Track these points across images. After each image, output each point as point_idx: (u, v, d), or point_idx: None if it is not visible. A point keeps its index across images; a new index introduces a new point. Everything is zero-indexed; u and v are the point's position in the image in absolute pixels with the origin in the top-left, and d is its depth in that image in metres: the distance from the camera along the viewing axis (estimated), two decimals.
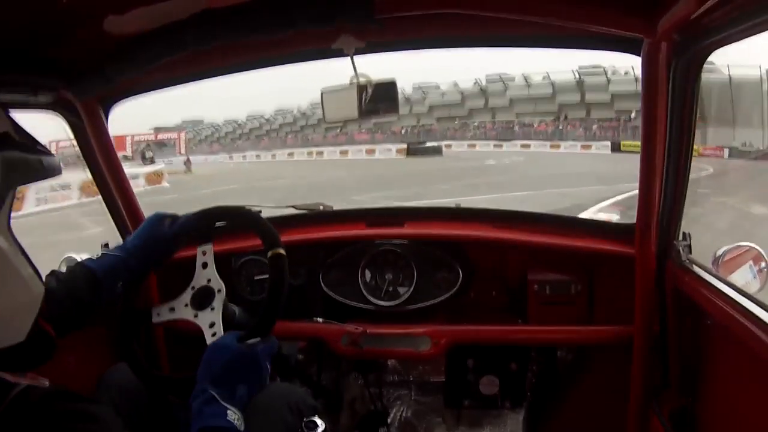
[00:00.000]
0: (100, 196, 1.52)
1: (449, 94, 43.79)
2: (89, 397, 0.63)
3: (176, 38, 0.98)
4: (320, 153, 38.76)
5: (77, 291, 0.98)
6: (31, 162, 0.65)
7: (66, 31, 0.93)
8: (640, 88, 1.10)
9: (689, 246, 1.23)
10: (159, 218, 1.13)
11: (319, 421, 1.11)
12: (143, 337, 1.60)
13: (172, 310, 1.09)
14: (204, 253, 1.11)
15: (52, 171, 0.68)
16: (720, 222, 7.64)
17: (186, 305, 1.08)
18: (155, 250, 1.10)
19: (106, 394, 1.07)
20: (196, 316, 1.07)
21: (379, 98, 1.25)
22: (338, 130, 45.49)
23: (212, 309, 1.07)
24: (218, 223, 1.21)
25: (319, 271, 1.63)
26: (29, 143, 0.66)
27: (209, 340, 1.02)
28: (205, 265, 1.11)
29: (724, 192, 12.26)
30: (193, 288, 1.10)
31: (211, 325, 1.05)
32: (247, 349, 0.91)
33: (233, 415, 0.82)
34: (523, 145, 35.11)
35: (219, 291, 1.09)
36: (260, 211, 1.20)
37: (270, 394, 1.11)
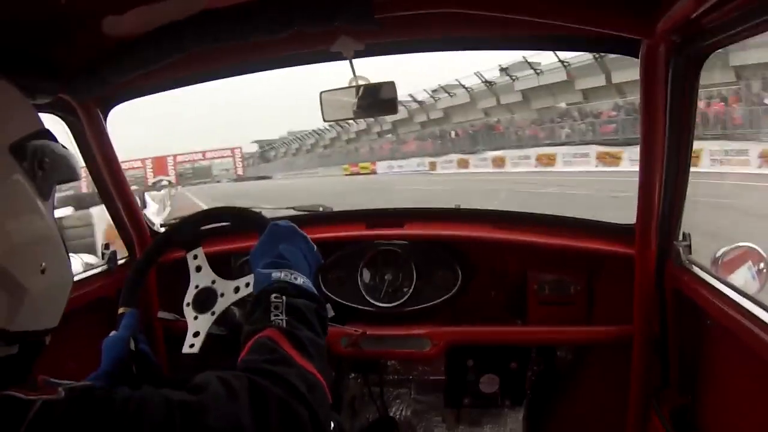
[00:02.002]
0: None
1: (460, 95, 31.43)
2: (94, 384, 0.62)
3: (174, 40, 0.98)
4: None
5: None
6: (68, 158, 0.69)
7: (64, 32, 0.93)
8: None
9: (689, 246, 1.23)
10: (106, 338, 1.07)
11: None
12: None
13: (197, 334, 1.06)
14: (195, 257, 1.10)
15: (79, 172, 0.72)
16: None
17: (195, 317, 1.07)
18: (116, 351, 1.01)
19: None
20: (213, 313, 1.07)
21: (378, 99, 1.27)
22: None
23: (222, 295, 1.06)
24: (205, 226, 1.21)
25: (319, 272, 1.63)
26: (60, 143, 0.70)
27: (186, 349, 1.02)
28: (198, 269, 1.10)
29: None
30: (188, 304, 1.09)
31: (237, 289, 1.05)
32: (267, 228, 0.94)
33: (278, 273, 0.81)
34: (540, 157, 20.09)
35: (213, 282, 1.08)
36: (260, 212, 1.20)
37: None
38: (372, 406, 1.73)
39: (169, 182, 51.08)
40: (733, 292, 1.02)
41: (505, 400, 1.66)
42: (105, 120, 1.39)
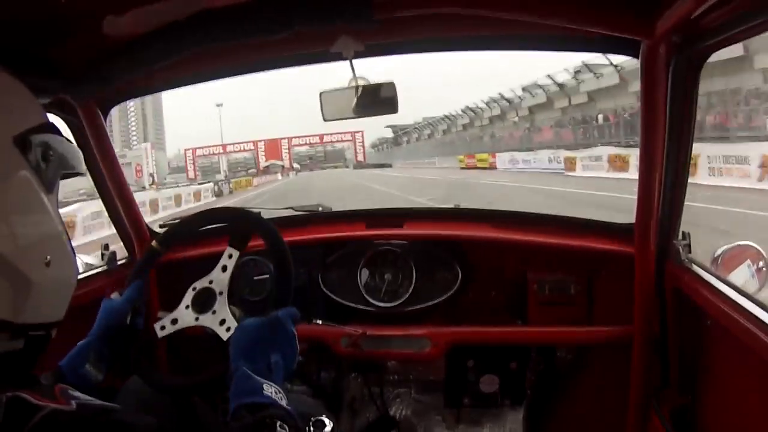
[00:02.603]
0: None
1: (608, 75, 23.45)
2: (119, 408, 0.62)
3: (174, 40, 0.98)
4: None
5: None
6: (73, 152, 0.70)
7: (64, 32, 0.93)
8: None
9: (689, 245, 1.23)
10: (107, 299, 1.10)
11: (327, 420, 1.11)
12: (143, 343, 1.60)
13: (175, 321, 1.07)
14: (230, 256, 1.09)
15: (83, 168, 0.73)
16: None
17: (187, 306, 1.08)
18: (112, 321, 1.05)
19: (126, 404, 1.06)
20: (197, 319, 1.06)
21: (378, 98, 1.27)
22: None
23: (213, 312, 1.06)
24: (209, 226, 1.21)
25: (319, 272, 1.63)
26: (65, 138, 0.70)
27: (225, 336, 1.02)
28: (224, 269, 1.09)
29: None
30: (194, 289, 1.09)
31: (222, 322, 1.04)
32: (269, 319, 0.90)
33: (270, 389, 0.79)
34: None
35: (221, 293, 1.08)
36: (260, 213, 1.21)
37: None
38: (372, 406, 1.73)
39: (282, 167, 49.14)
40: (732, 291, 1.03)
41: (505, 400, 1.66)
42: (105, 120, 1.39)
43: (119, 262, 1.58)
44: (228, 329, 1.02)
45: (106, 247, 1.57)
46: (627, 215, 1.41)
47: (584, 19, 0.96)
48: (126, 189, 1.53)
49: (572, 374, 1.64)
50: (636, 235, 1.28)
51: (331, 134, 55.20)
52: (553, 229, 1.57)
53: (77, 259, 1.65)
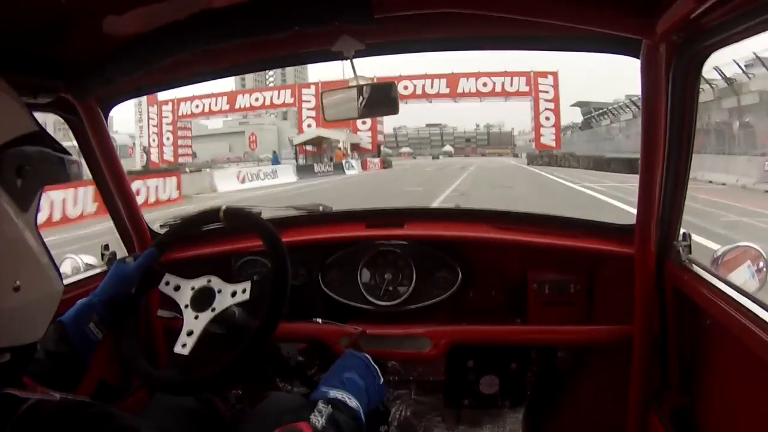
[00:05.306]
0: None
1: None
2: (100, 402, 0.63)
3: (175, 39, 0.98)
4: None
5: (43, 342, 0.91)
6: (55, 161, 0.66)
7: (65, 31, 0.93)
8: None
9: (689, 246, 1.23)
10: (121, 259, 1.17)
11: None
12: (144, 338, 1.60)
13: (177, 288, 1.11)
14: (244, 291, 1.11)
15: (75, 174, 0.69)
16: None
17: (192, 289, 1.09)
18: (120, 286, 1.09)
19: (156, 412, 1.08)
20: (186, 306, 1.07)
21: (379, 98, 1.27)
22: None
23: (213, 310, 1.07)
24: (210, 226, 1.21)
25: (319, 271, 1.63)
26: (53, 144, 0.67)
27: (178, 348, 1.03)
28: (233, 294, 1.10)
29: None
30: (208, 281, 1.10)
31: (189, 333, 1.05)
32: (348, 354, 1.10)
33: (335, 393, 0.94)
34: None
35: (219, 291, 1.09)
36: (260, 212, 1.21)
37: (266, 405, 1.12)
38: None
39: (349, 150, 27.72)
40: (733, 291, 1.03)
41: (505, 401, 1.66)
42: (106, 119, 1.39)
43: None
44: (244, 290, 1.05)
45: (107, 247, 1.57)
46: None
47: (584, 18, 0.96)
48: (127, 188, 1.53)
49: (572, 374, 1.64)
50: (636, 236, 1.28)
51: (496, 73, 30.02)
52: (553, 229, 1.57)
53: (78, 259, 1.65)
